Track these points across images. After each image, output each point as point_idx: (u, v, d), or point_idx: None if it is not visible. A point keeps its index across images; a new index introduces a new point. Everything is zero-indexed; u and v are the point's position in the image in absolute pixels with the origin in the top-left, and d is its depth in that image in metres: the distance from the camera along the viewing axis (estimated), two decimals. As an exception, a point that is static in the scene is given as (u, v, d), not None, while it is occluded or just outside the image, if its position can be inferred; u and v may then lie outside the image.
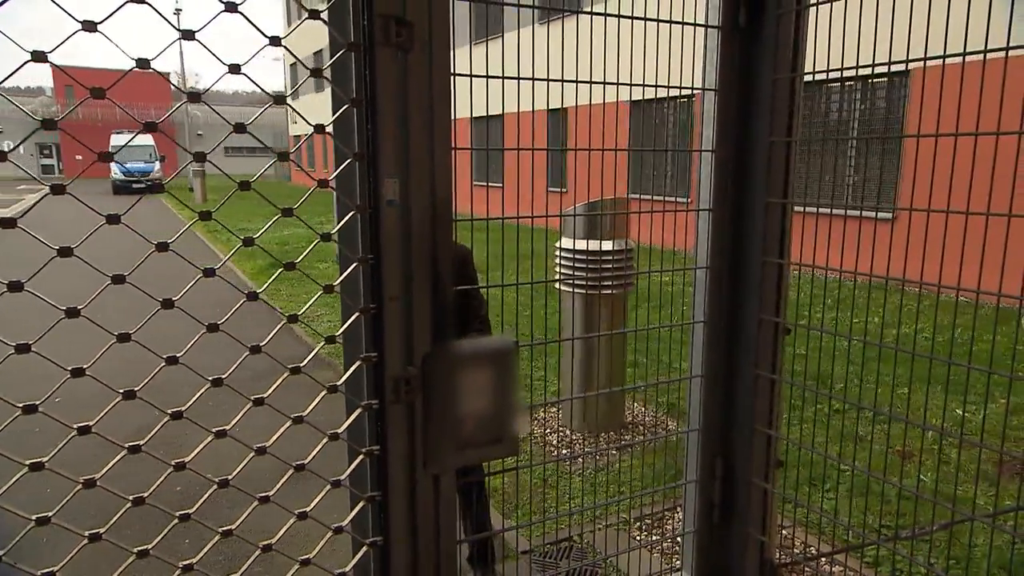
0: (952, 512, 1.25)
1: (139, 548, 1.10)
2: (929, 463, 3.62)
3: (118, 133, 34.99)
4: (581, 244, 3.71)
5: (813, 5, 1.53)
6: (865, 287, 7.54)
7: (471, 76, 1.35)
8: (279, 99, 1.14)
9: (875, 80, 9.62)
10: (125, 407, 1.11)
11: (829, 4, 1.51)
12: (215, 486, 1.16)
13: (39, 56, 0.86)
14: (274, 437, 1.19)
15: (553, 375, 5.24)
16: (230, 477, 1.16)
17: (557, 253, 3.85)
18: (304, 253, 1.25)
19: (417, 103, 1.26)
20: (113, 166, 29.41)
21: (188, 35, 1.04)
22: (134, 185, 30.05)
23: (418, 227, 1.30)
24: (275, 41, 1.09)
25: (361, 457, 1.30)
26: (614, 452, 3.77)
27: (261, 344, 1.12)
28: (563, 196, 12.92)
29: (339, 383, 1.25)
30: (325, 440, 1.25)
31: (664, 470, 3.49)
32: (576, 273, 3.78)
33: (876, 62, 1.45)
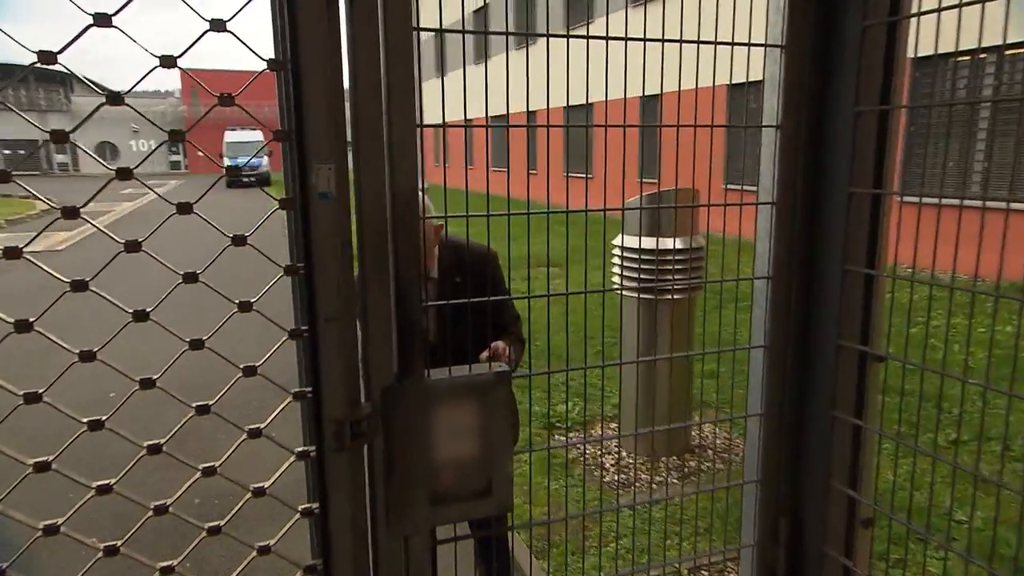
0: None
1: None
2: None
3: (231, 130, 37.01)
4: (643, 242, 3.26)
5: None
6: (1005, 290, 6.62)
7: (441, 31, 1.04)
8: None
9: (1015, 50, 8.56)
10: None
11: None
12: (101, 553, 0.92)
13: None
14: (176, 495, 0.93)
15: (613, 385, 4.82)
16: (119, 543, 0.92)
17: (615, 252, 3.42)
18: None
19: (367, 66, 0.97)
20: (226, 161, 31.35)
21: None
22: (244, 179, 31.62)
23: (371, 226, 1.01)
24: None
25: (297, 518, 1.03)
26: (668, 485, 3.32)
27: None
28: (658, 188, 12.29)
29: (263, 426, 0.98)
30: (248, 496, 0.99)
31: (729, 509, 2.96)
32: (637, 275, 3.33)
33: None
